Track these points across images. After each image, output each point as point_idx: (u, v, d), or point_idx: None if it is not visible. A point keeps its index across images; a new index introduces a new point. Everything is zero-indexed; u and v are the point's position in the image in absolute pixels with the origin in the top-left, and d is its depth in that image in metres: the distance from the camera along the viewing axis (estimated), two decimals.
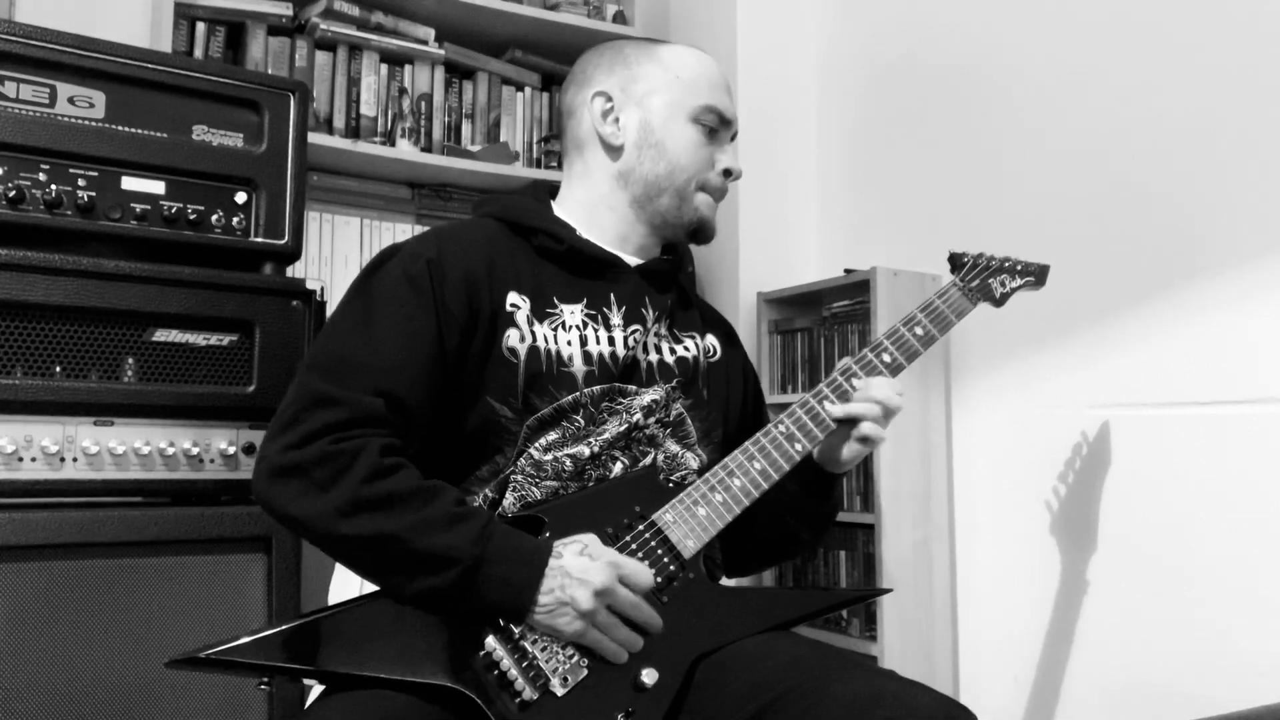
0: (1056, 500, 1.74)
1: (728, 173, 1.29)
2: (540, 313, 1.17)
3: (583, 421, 1.15)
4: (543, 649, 1.01)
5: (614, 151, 1.26)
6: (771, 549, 1.34)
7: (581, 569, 1.00)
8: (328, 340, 1.12)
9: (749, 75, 2.32)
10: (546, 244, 1.22)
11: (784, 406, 1.27)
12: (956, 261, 1.32)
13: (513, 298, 1.17)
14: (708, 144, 1.26)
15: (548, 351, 1.15)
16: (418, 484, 1.03)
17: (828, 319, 2.08)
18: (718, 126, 1.27)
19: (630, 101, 1.25)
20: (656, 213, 1.26)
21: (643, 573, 1.04)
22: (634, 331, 1.21)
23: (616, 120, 1.26)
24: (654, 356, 1.23)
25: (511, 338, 1.15)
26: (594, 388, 1.16)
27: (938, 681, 1.85)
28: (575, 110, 1.29)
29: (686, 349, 1.27)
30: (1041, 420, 1.77)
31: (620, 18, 2.64)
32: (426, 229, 2.35)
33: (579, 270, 1.22)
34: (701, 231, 1.29)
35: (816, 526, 1.32)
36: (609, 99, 1.26)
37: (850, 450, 1.21)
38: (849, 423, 1.19)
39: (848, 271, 2.03)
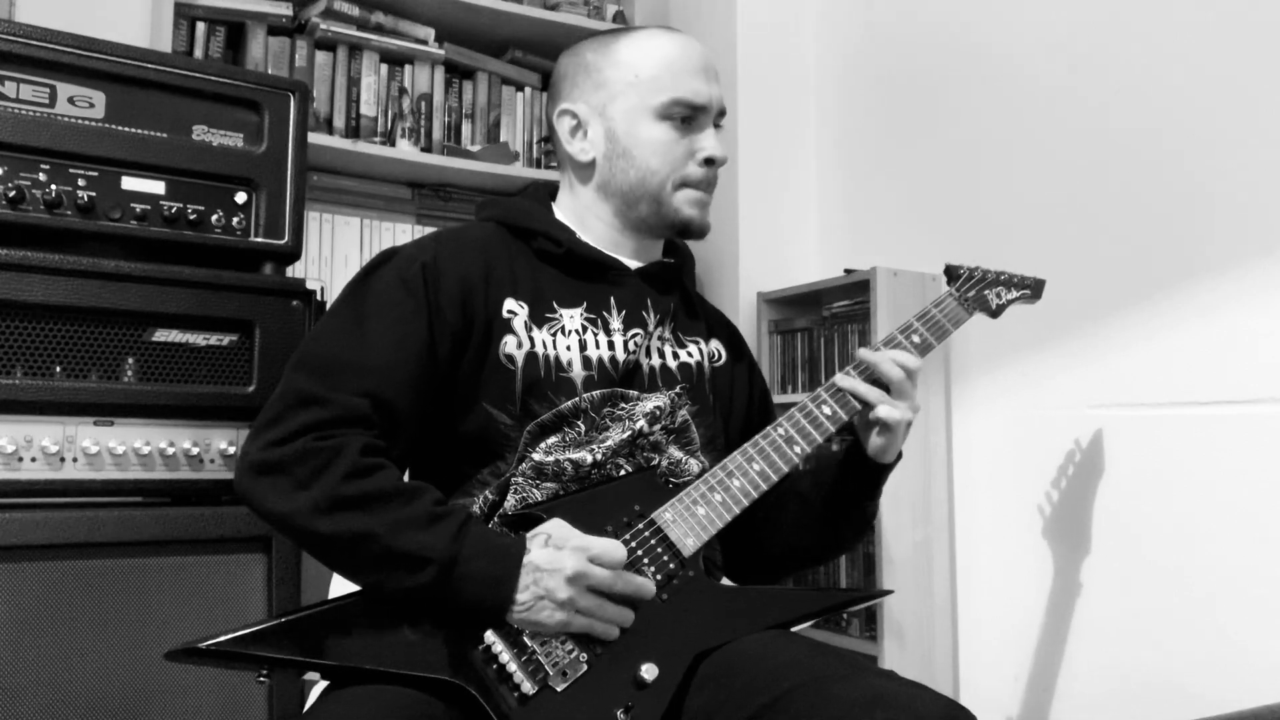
0: (1056, 500, 1.74)
1: (710, 161, 1.22)
2: (539, 318, 1.17)
3: (584, 427, 1.14)
4: (542, 643, 1.01)
5: (586, 168, 1.24)
6: (808, 552, 1.30)
7: (549, 560, 1.00)
8: (317, 340, 1.12)
9: (749, 74, 2.32)
10: (546, 247, 1.22)
11: (784, 407, 1.26)
12: (953, 273, 1.33)
13: (510, 304, 1.16)
14: (683, 137, 1.21)
15: (546, 357, 1.15)
16: (397, 484, 1.03)
17: (828, 319, 2.08)
18: (691, 115, 1.21)
19: (594, 114, 1.23)
20: (639, 219, 1.24)
21: (613, 548, 1.03)
22: (634, 335, 1.21)
23: (585, 135, 1.23)
24: (656, 361, 1.22)
25: (509, 344, 1.14)
26: (594, 393, 1.15)
27: (938, 681, 1.85)
28: (552, 124, 1.28)
29: (690, 354, 1.26)
30: (1041, 420, 1.77)
31: (620, 18, 2.64)
32: (427, 229, 2.38)
33: (578, 273, 1.22)
34: (688, 230, 1.25)
35: (859, 524, 1.27)
36: (574, 116, 1.24)
37: (877, 439, 1.17)
38: (862, 411, 1.17)
39: (848, 271, 2.03)
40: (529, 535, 1.04)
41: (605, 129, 1.22)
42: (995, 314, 1.33)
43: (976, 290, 1.31)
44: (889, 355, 1.18)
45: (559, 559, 1.00)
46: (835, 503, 1.24)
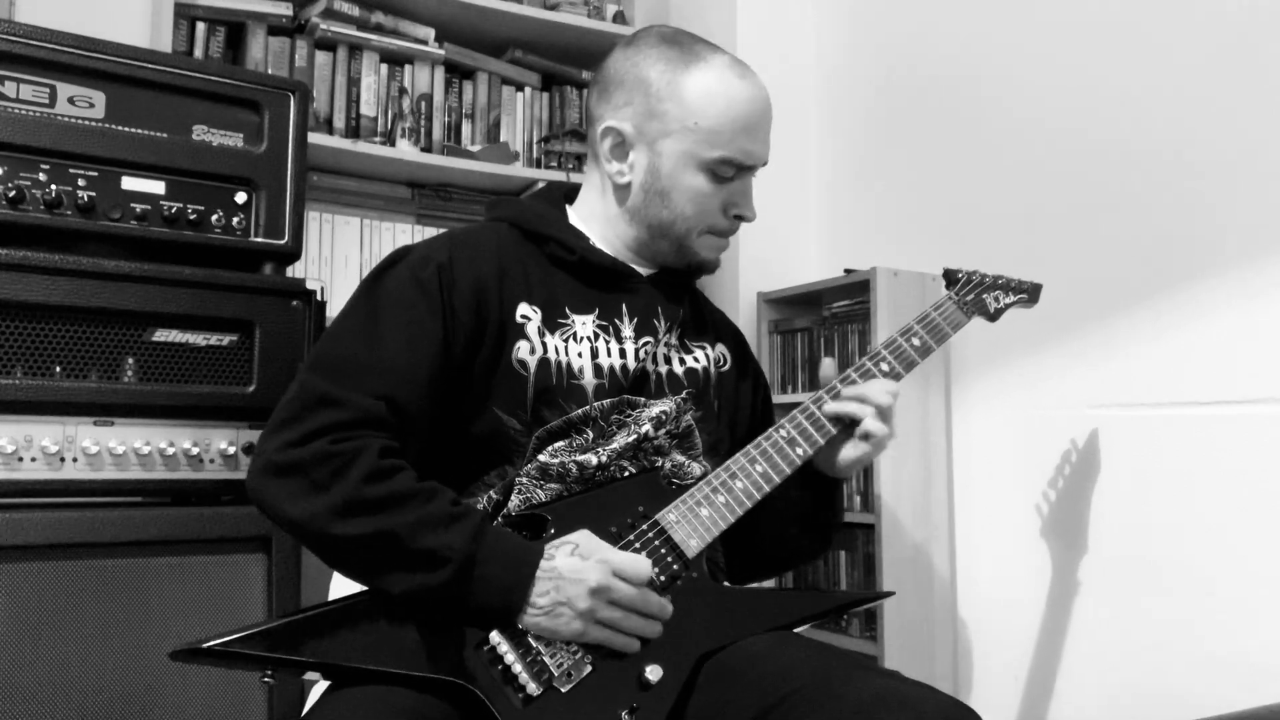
0: (1056, 500, 1.74)
1: (740, 218, 1.24)
2: (552, 323, 1.16)
3: (591, 434, 1.14)
4: (547, 644, 1.01)
5: (621, 189, 1.23)
6: (775, 558, 1.34)
7: (574, 569, 1.00)
8: (332, 340, 1.12)
9: None
10: (558, 253, 1.21)
11: (785, 407, 1.27)
12: (951, 277, 1.34)
13: (523, 309, 1.16)
14: (720, 189, 1.20)
15: (558, 363, 1.14)
16: (415, 485, 1.03)
17: (828, 319, 2.08)
18: (734, 176, 1.21)
19: (642, 141, 1.20)
20: (656, 251, 1.25)
21: (638, 564, 1.03)
22: (645, 344, 1.20)
23: (626, 157, 1.21)
24: (664, 368, 1.22)
25: (521, 349, 1.14)
26: (604, 401, 1.15)
27: (937, 681, 1.85)
28: (593, 122, 1.25)
29: (696, 360, 1.26)
30: (1041, 420, 1.77)
31: (620, 18, 2.64)
32: (427, 230, 2.38)
33: (591, 280, 1.21)
34: (701, 269, 1.27)
35: (820, 536, 1.30)
36: (620, 134, 1.21)
37: (853, 450, 1.19)
38: (849, 425, 1.19)
39: (848, 271, 2.03)
40: (556, 543, 1.03)
41: (649, 162, 1.20)
42: (993, 318, 1.34)
43: (975, 294, 1.32)
44: (880, 386, 1.18)
45: (584, 569, 1.00)
46: (793, 515, 1.27)
